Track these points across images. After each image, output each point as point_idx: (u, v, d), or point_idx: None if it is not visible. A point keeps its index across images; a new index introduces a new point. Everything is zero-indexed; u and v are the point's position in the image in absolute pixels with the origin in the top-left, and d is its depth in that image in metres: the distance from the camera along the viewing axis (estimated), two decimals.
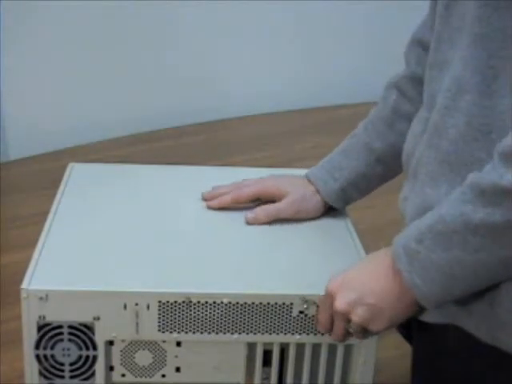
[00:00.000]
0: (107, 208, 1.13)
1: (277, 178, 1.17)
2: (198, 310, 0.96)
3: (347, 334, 0.92)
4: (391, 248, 0.87)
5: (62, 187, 1.18)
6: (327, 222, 1.15)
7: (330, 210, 1.17)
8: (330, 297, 0.91)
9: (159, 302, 0.95)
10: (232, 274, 1.00)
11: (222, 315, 0.96)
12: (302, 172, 1.18)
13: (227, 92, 2.57)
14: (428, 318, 0.91)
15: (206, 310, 0.96)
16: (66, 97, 2.32)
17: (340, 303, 0.89)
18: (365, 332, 0.91)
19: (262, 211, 1.12)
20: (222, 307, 0.96)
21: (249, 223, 1.12)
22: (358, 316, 0.89)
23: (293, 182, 1.15)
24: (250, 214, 1.12)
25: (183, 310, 0.96)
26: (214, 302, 0.96)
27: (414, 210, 0.91)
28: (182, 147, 2.29)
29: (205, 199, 1.16)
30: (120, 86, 2.39)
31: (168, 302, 0.95)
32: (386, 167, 1.13)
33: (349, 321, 0.90)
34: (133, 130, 2.37)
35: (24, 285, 0.95)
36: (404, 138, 1.03)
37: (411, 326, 0.98)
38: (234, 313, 0.96)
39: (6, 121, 2.23)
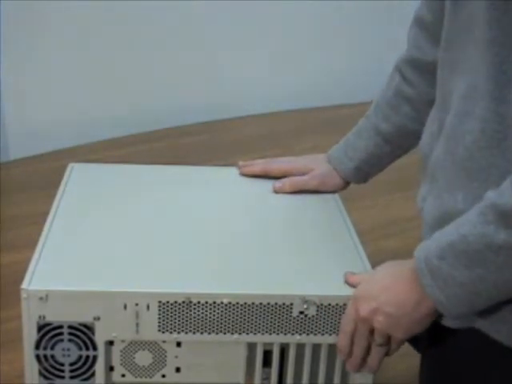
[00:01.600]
0: (107, 208, 1.13)
1: (303, 158, 1.26)
2: (198, 310, 0.96)
3: (366, 353, 0.97)
4: (412, 261, 0.89)
5: (61, 187, 1.18)
6: (327, 222, 1.15)
7: (329, 210, 1.17)
8: (355, 303, 0.94)
9: (159, 302, 0.95)
10: (232, 274, 1.00)
11: (221, 315, 0.96)
12: None
13: (227, 92, 2.57)
14: (448, 323, 0.92)
15: (206, 310, 0.96)
16: (66, 97, 2.32)
17: (363, 309, 0.92)
18: (387, 343, 0.95)
19: (288, 181, 1.20)
20: (222, 307, 0.96)
21: (276, 192, 1.20)
22: (378, 323, 0.92)
23: (317, 160, 1.24)
24: (277, 184, 1.20)
25: (183, 310, 0.96)
26: (214, 302, 0.96)
27: (432, 213, 0.92)
28: (182, 147, 2.29)
29: (239, 167, 1.26)
30: (120, 85, 2.39)
31: (168, 302, 0.95)
32: (394, 146, 1.18)
33: (371, 332, 0.94)
34: (133, 130, 2.37)
35: (24, 285, 0.95)
36: (408, 119, 1.11)
37: None
38: (233, 313, 0.96)
39: (5, 121, 2.23)
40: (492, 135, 0.84)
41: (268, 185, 1.22)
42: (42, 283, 0.95)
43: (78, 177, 1.22)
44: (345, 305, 0.96)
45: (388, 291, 0.91)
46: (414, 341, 1.00)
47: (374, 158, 1.19)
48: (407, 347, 1.03)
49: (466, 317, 0.89)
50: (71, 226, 1.08)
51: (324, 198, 1.21)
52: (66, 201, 1.14)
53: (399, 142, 1.16)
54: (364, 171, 1.21)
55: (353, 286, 0.97)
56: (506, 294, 0.85)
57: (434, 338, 0.97)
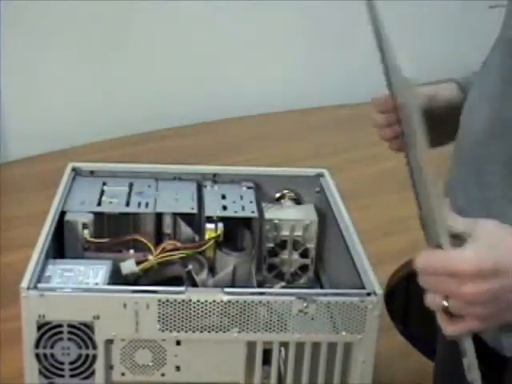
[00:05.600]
0: None
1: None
2: (198, 309, 0.96)
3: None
4: None
5: None
6: None
7: None
8: (459, 274, 0.72)
9: (159, 300, 0.95)
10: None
11: (221, 314, 0.96)
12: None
13: (227, 92, 2.57)
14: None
15: (206, 309, 0.96)
16: (65, 97, 2.32)
17: (479, 288, 0.71)
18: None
19: None
20: (222, 306, 0.96)
21: None
22: (483, 309, 0.73)
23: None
24: None
25: (183, 309, 0.96)
26: (214, 301, 0.96)
27: None
28: (182, 147, 2.29)
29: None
30: (120, 86, 2.39)
31: (168, 300, 0.95)
32: None
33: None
34: (133, 130, 2.37)
35: (23, 284, 0.95)
36: None
37: (409, 323, 0.97)
38: (233, 311, 0.96)
39: (6, 121, 2.23)
40: None
41: None
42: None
43: None
44: (344, 303, 0.96)
45: None
46: (430, 352, 0.98)
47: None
48: (407, 347, 1.03)
49: None
50: None
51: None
52: None
53: None
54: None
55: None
56: None
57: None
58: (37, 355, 0.97)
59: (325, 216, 1.19)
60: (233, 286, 1.00)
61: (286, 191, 1.22)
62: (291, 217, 1.15)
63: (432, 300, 0.74)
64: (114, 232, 1.11)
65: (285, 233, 1.13)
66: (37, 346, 0.96)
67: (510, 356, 0.88)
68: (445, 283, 0.72)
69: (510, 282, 0.71)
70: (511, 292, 0.71)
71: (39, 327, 0.95)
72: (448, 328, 0.74)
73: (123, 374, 0.99)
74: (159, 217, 1.14)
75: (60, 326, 0.95)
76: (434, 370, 0.99)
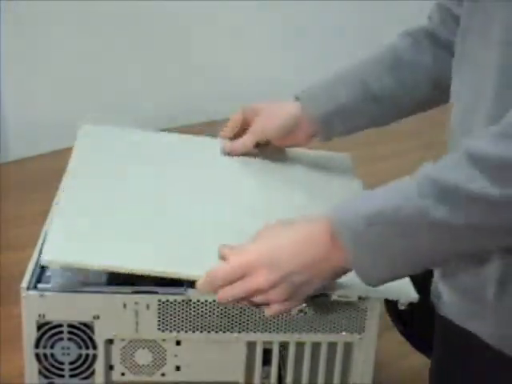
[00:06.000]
0: (112, 187, 1.08)
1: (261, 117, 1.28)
2: (198, 309, 0.96)
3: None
4: (329, 223, 0.82)
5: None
6: None
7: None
8: (245, 271, 0.85)
9: (159, 300, 0.95)
10: None
11: (221, 314, 0.96)
12: None
13: (227, 92, 2.57)
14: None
15: (206, 309, 0.96)
16: (66, 97, 2.32)
17: (262, 280, 0.84)
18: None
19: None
20: (222, 306, 0.96)
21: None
22: (277, 295, 0.84)
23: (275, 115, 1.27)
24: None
25: (183, 309, 0.96)
26: (214, 301, 0.96)
27: None
28: None
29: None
30: (120, 86, 2.39)
31: (168, 300, 0.95)
32: (381, 108, 1.12)
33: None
34: None
35: (24, 284, 0.95)
36: (402, 86, 1.09)
37: (408, 323, 0.97)
38: (233, 311, 0.96)
39: (5, 121, 2.23)
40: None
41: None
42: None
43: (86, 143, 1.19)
44: (344, 303, 0.96)
45: (300, 257, 0.83)
46: (430, 351, 0.98)
47: (352, 112, 1.12)
48: (407, 347, 1.03)
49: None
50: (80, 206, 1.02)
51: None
52: (73, 177, 1.10)
53: (387, 105, 1.11)
54: (332, 120, 1.14)
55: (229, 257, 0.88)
56: (437, 264, 0.86)
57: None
58: (37, 355, 0.97)
59: None
60: None
61: None
62: None
63: (243, 302, 0.87)
64: None
65: None
66: (37, 345, 0.96)
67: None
68: (235, 289, 0.85)
69: (283, 274, 0.83)
70: (291, 278, 0.83)
71: (39, 327, 0.95)
72: (266, 312, 0.87)
73: (123, 374, 0.99)
74: None
75: (60, 325, 0.96)
76: (430, 367, 0.99)
